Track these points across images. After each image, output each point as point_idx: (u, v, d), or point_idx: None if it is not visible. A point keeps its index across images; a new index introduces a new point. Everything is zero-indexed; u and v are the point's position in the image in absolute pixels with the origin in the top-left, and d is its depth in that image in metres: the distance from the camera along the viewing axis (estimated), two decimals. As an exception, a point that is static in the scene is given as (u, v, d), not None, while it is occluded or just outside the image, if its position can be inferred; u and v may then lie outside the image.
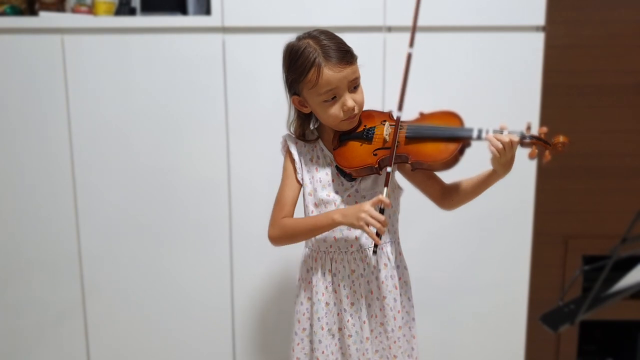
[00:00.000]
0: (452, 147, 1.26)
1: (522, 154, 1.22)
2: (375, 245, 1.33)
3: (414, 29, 1.27)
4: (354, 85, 1.32)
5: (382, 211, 1.28)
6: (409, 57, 1.27)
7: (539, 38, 1.88)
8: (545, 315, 0.99)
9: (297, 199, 1.43)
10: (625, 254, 0.93)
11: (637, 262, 0.94)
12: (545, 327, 0.97)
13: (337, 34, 1.34)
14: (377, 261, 1.41)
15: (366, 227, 1.27)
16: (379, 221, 1.26)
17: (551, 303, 1.03)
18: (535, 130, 1.22)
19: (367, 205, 1.28)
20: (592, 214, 2.05)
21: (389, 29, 1.86)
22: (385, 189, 1.29)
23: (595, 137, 2.00)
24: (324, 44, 1.28)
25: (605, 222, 2.05)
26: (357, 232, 1.39)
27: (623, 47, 1.95)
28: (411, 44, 1.28)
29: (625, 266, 0.94)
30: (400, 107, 1.30)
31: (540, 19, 1.86)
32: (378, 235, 1.29)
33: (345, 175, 1.37)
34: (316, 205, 1.41)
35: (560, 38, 1.92)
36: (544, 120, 1.92)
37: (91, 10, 1.90)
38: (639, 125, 2.00)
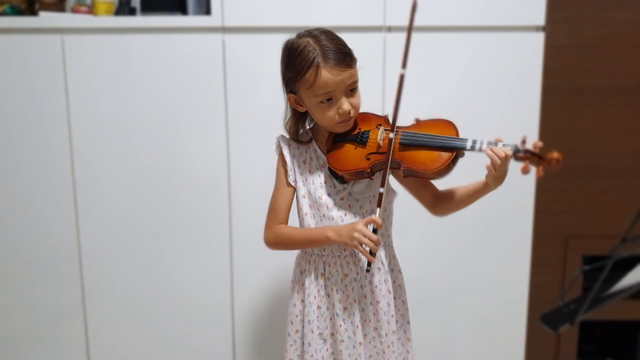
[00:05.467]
0: (446, 156, 1.26)
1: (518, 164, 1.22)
2: (369, 264, 1.33)
3: (407, 50, 1.26)
4: (351, 89, 1.31)
5: (375, 231, 1.29)
6: (402, 77, 1.26)
7: (539, 38, 1.88)
8: (545, 315, 0.99)
9: (291, 204, 1.44)
10: (625, 254, 0.93)
11: (637, 262, 0.94)
12: (545, 327, 0.97)
13: (337, 33, 1.33)
14: (371, 265, 1.41)
15: (360, 247, 1.28)
16: (372, 240, 1.27)
17: (551, 303, 1.03)
18: (530, 145, 1.21)
19: (360, 225, 1.29)
20: (592, 214, 2.05)
21: (389, 29, 1.86)
22: (378, 209, 1.30)
23: (595, 137, 2.00)
24: (324, 44, 1.27)
25: (605, 222, 2.05)
26: None
27: (623, 47, 1.95)
28: (404, 65, 1.26)
29: (625, 266, 0.94)
30: (392, 129, 1.29)
31: (540, 19, 1.86)
32: (372, 254, 1.29)
33: (337, 177, 1.37)
34: (310, 207, 1.41)
35: (560, 38, 1.92)
36: (543, 120, 1.92)
37: (91, 10, 1.90)
38: (639, 125, 2.00)
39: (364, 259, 1.37)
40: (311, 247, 1.42)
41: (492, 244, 1.99)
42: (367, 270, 1.35)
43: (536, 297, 2.05)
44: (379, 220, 1.29)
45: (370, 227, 1.29)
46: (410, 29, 1.24)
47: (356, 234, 1.28)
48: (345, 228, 1.32)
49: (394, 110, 1.28)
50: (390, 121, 1.32)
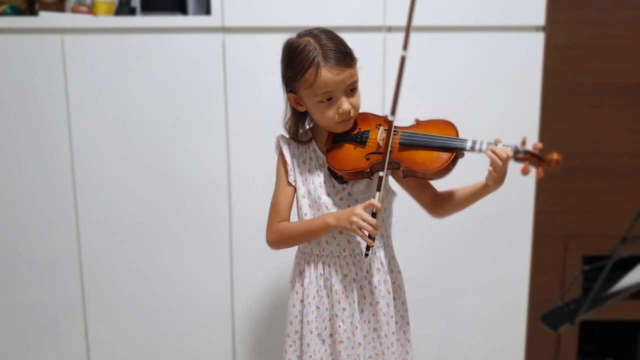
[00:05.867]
0: (445, 157, 1.26)
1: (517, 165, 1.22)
2: (368, 248, 1.33)
3: (407, 31, 1.25)
4: (351, 89, 1.31)
5: (374, 215, 1.29)
6: (403, 59, 1.25)
7: (539, 38, 1.88)
8: (545, 315, 0.99)
9: (292, 203, 1.44)
10: (625, 254, 0.93)
11: (637, 262, 0.94)
12: (545, 327, 0.98)
13: (337, 33, 1.33)
14: (370, 266, 1.41)
15: (359, 231, 1.28)
16: (370, 224, 1.27)
17: (551, 303, 1.03)
18: (529, 146, 1.21)
19: (359, 209, 1.29)
20: (592, 214, 2.05)
21: (389, 29, 1.86)
22: (378, 193, 1.30)
23: (595, 137, 2.00)
24: (324, 43, 1.27)
25: (605, 222, 2.05)
26: (350, 237, 1.39)
27: (623, 47, 1.95)
28: (405, 47, 1.26)
29: (625, 266, 0.95)
30: (392, 112, 1.29)
31: (540, 19, 1.86)
32: (371, 238, 1.29)
33: (336, 177, 1.37)
34: (310, 207, 1.41)
35: (560, 38, 1.92)
36: (543, 120, 1.92)
37: (91, 10, 1.90)
38: (639, 125, 2.00)
39: (363, 243, 1.37)
40: (313, 238, 1.40)
41: (492, 244, 1.99)
42: (366, 255, 1.35)
43: (536, 297, 2.05)
44: (378, 204, 1.28)
45: (370, 211, 1.29)
46: (412, 9, 1.24)
47: (355, 218, 1.28)
48: (344, 212, 1.32)
49: (395, 93, 1.27)
50: (390, 109, 1.31)
